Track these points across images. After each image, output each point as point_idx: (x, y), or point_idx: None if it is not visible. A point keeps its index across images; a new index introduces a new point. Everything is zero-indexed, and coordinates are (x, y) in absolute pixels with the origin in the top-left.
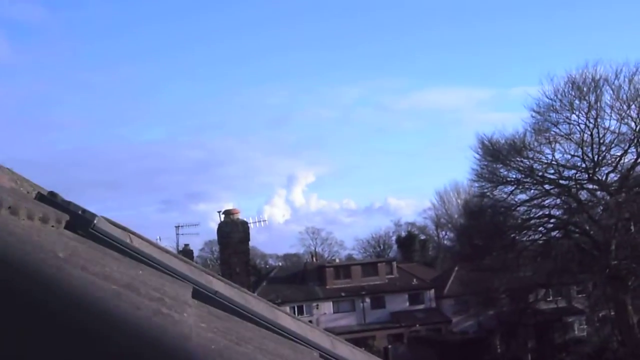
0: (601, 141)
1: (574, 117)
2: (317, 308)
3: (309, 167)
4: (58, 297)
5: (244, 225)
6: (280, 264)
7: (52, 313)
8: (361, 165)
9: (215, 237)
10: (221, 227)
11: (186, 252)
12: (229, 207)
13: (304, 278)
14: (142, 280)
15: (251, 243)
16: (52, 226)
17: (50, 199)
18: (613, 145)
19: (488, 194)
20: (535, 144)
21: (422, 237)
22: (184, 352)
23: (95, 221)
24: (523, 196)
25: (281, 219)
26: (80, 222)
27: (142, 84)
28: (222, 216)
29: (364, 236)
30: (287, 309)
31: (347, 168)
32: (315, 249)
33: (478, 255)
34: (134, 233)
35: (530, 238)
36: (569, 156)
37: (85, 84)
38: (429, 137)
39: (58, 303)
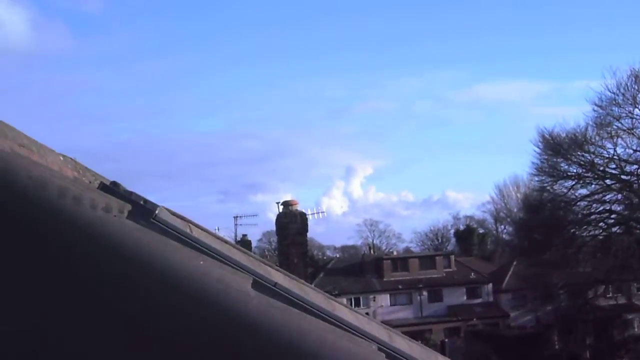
0: None
1: (637, 111)
2: (374, 300)
3: (368, 160)
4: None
5: (302, 216)
6: (337, 255)
7: (126, 311)
8: (420, 158)
9: (273, 228)
10: (279, 218)
11: (244, 243)
12: (287, 198)
13: (362, 270)
14: (205, 271)
15: (309, 234)
16: (115, 216)
17: (112, 188)
18: None
19: (548, 188)
20: (597, 138)
21: (481, 230)
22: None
23: (157, 211)
24: (584, 191)
25: (339, 211)
26: (142, 212)
27: (199, 72)
28: (281, 207)
29: (422, 229)
30: (344, 300)
31: (405, 161)
32: (372, 241)
33: (537, 250)
34: (193, 223)
35: (590, 233)
36: (631, 151)
37: (143, 73)
38: (489, 131)
39: (132, 299)
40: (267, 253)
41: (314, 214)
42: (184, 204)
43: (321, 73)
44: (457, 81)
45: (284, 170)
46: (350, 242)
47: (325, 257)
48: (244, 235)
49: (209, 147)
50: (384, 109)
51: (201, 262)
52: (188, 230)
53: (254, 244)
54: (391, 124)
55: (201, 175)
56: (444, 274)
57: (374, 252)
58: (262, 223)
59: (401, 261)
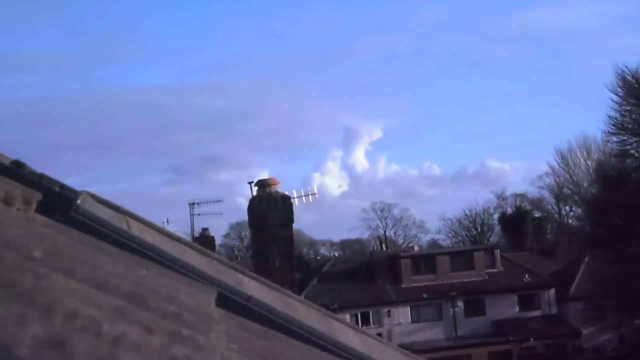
0: None
1: None
2: (389, 316)
3: (375, 119)
4: (35, 322)
5: (285, 200)
6: (336, 254)
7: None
8: (448, 114)
9: (244, 218)
10: (253, 204)
11: (205, 240)
12: (264, 176)
13: (370, 273)
14: (149, 285)
15: (296, 225)
16: (18, 209)
17: (14, 170)
18: None
19: (632, 151)
20: None
21: (537, 214)
22: None
23: (78, 201)
24: None
25: (336, 191)
26: (58, 202)
27: (139, 3)
28: (254, 189)
29: (453, 214)
30: (347, 317)
31: (428, 119)
32: (385, 232)
33: (618, 240)
34: (132, 215)
35: None
36: None
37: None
38: (542, 73)
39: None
40: (236, 253)
41: (301, 196)
42: (120, 187)
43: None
44: (496, 6)
45: (257, 136)
46: (353, 235)
47: (319, 257)
48: (205, 230)
49: (152, 107)
50: (396, 47)
51: (143, 272)
52: (125, 226)
53: (218, 241)
54: (406, 68)
55: (143, 146)
56: (486, 277)
57: (386, 247)
58: (228, 211)
59: (425, 260)
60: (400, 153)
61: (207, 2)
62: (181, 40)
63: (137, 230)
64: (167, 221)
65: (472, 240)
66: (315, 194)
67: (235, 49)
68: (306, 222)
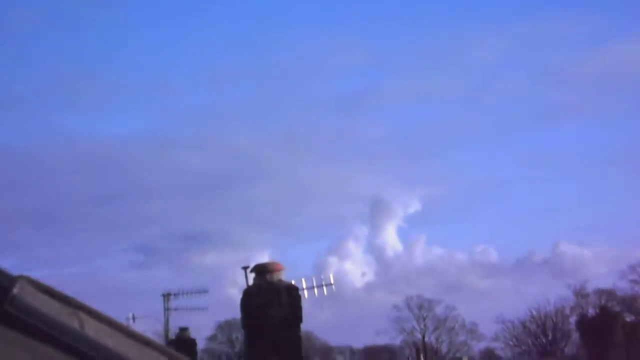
0: None
1: None
2: None
3: (411, 187)
4: None
5: (292, 292)
6: None
7: None
8: (508, 182)
9: (236, 314)
10: (249, 296)
11: (184, 344)
12: (263, 259)
13: None
14: None
15: (305, 326)
16: None
17: None
18: None
19: None
20: None
21: (629, 317)
22: None
23: (14, 289)
24: None
25: (359, 282)
26: None
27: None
28: (251, 276)
29: (514, 314)
30: None
31: (482, 188)
32: (423, 337)
33: None
34: (86, 309)
35: None
36: None
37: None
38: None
39: None
40: None
41: (312, 288)
42: (72, 270)
43: (315, 26)
44: (581, 36)
45: (255, 206)
46: (381, 341)
47: None
48: (183, 330)
49: (118, 165)
50: (442, 91)
51: None
52: (75, 324)
53: (200, 345)
54: (454, 120)
55: (103, 217)
56: None
57: (425, 358)
58: (215, 306)
59: None
60: (445, 232)
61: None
62: (156, 80)
63: (92, 329)
64: (133, 317)
65: (541, 350)
66: (331, 284)
67: (226, 93)
68: (319, 322)
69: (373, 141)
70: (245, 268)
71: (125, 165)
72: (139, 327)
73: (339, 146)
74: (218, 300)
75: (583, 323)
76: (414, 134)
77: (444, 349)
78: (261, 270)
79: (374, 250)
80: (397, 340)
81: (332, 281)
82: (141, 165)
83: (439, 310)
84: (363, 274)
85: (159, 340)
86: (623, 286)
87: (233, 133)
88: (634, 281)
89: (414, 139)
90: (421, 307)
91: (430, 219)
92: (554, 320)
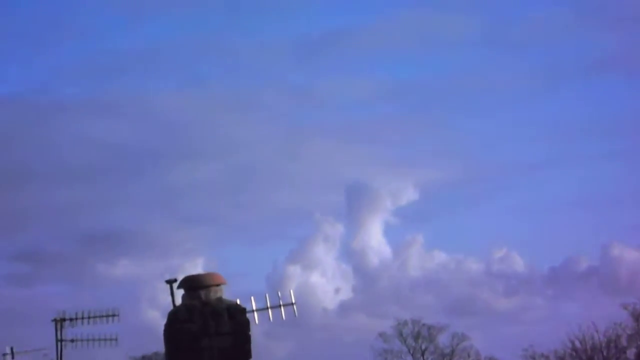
0: None
1: None
2: None
3: (404, 169)
4: None
5: (237, 316)
6: None
7: None
8: (540, 162)
9: (158, 347)
10: (175, 321)
11: None
12: (197, 270)
13: None
14: None
15: None
16: None
17: None
18: None
19: None
20: None
21: None
22: None
23: None
24: None
25: (331, 300)
26: None
27: None
28: (179, 293)
29: (548, 345)
30: None
31: (502, 171)
32: None
33: None
34: None
35: None
36: None
37: None
38: None
39: None
40: None
41: (266, 309)
42: None
43: None
44: None
45: (185, 196)
46: None
47: None
48: None
49: None
50: (450, 33)
51: None
52: None
53: None
54: (467, 72)
55: None
56: None
57: None
58: (128, 335)
59: None
60: (451, 232)
61: None
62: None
63: None
64: (12, 352)
65: None
66: (292, 304)
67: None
68: (277, 358)
69: (351, 106)
70: (170, 282)
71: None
72: None
73: (302, 113)
74: (133, 327)
75: None
76: (409, 95)
77: None
78: (194, 284)
79: (352, 257)
80: None
81: (293, 300)
82: (23, 137)
83: (443, 340)
84: (337, 290)
85: None
86: None
87: (154, 94)
88: None
89: (409, 101)
90: (418, 336)
91: (430, 213)
92: (605, 354)
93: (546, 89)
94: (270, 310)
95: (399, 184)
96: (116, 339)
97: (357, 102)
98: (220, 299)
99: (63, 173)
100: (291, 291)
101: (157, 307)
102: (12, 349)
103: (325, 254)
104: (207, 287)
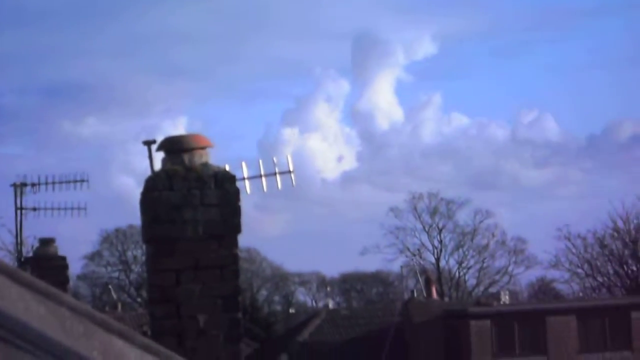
0: None
1: None
2: None
3: (419, 17)
4: None
5: (225, 184)
6: (331, 303)
7: None
8: (582, 7)
9: (134, 219)
10: (154, 189)
11: (45, 264)
12: (178, 131)
13: (404, 348)
14: None
15: (247, 239)
16: None
17: None
18: None
19: None
20: None
21: None
22: None
23: None
24: None
25: (334, 169)
26: None
27: None
28: (157, 157)
29: (586, 226)
30: None
31: (538, 20)
32: (438, 259)
33: None
34: None
35: None
36: None
37: None
38: None
39: None
40: (114, 296)
41: (258, 177)
42: None
43: None
44: None
45: (163, 40)
46: (368, 266)
47: (292, 310)
48: (46, 242)
49: None
50: None
51: None
52: None
53: (75, 269)
54: None
55: None
56: None
57: (440, 293)
58: (99, 205)
59: (526, 323)
60: (473, 90)
61: None
62: None
63: None
64: None
65: (629, 285)
66: (289, 172)
67: None
68: (269, 234)
69: None
70: (148, 143)
71: None
72: None
73: None
74: (104, 196)
75: None
76: None
77: (470, 279)
78: (175, 147)
79: (358, 119)
80: (396, 265)
81: (290, 167)
82: None
83: (463, 217)
84: (340, 158)
85: (6, 258)
86: None
87: None
88: None
89: None
90: (435, 211)
91: (450, 69)
92: None
93: None
94: (263, 179)
95: (414, 35)
96: (85, 209)
97: None
98: (206, 165)
99: (22, 16)
100: (288, 156)
101: (132, 174)
102: None
103: (326, 115)
104: (191, 150)
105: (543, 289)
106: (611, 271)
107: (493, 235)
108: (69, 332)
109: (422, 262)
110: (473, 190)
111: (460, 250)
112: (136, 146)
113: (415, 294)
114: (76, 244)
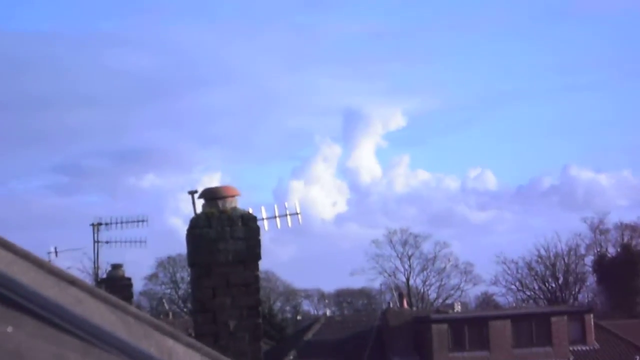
0: None
1: None
2: None
3: (394, 98)
4: None
5: (249, 224)
6: (328, 311)
7: None
8: (512, 92)
9: (181, 249)
10: (196, 227)
11: (117, 283)
12: (215, 183)
13: (383, 346)
14: (15, 351)
15: (265, 264)
16: None
17: None
18: None
19: None
20: None
21: None
22: None
23: None
24: None
25: (330, 212)
26: None
27: None
28: (199, 203)
29: (518, 253)
30: None
31: (480, 100)
32: (408, 280)
33: None
34: None
35: None
36: None
37: None
38: None
39: None
40: (167, 307)
41: (274, 218)
42: None
43: None
44: None
45: (206, 118)
46: (356, 283)
47: (300, 317)
48: (116, 267)
49: (32, 65)
50: None
51: (8, 330)
52: None
53: (138, 286)
54: (451, 19)
55: (19, 129)
56: (571, 357)
57: (410, 305)
58: (155, 239)
59: (473, 326)
60: (433, 154)
61: None
62: None
63: (1, 263)
64: (56, 251)
65: (549, 296)
66: (297, 213)
67: None
68: (281, 260)
69: (348, 39)
70: (192, 193)
71: (42, 67)
72: (62, 262)
73: (306, 46)
74: (159, 232)
75: (601, 264)
76: (400, 29)
77: (432, 293)
78: (212, 195)
79: (348, 174)
80: (376, 283)
81: (297, 210)
82: (63, 65)
83: (426, 247)
84: (334, 203)
85: (87, 279)
86: None
87: (178, 27)
88: None
89: (400, 35)
90: (405, 243)
91: (416, 137)
92: (566, 260)
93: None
94: (278, 219)
95: (389, 112)
96: (145, 242)
97: (354, 36)
98: (235, 208)
99: (103, 97)
100: (296, 202)
101: (180, 215)
102: (55, 248)
103: (324, 171)
104: (224, 197)
105: (486, 300)
106: (536, 287)
107: (449, 261)
108: (133, 334)
109: (396, 281)
110: (433, 227)
111: (425, 272)
112: (183, 195)
113: (391, 305)
114: (139, 268)
